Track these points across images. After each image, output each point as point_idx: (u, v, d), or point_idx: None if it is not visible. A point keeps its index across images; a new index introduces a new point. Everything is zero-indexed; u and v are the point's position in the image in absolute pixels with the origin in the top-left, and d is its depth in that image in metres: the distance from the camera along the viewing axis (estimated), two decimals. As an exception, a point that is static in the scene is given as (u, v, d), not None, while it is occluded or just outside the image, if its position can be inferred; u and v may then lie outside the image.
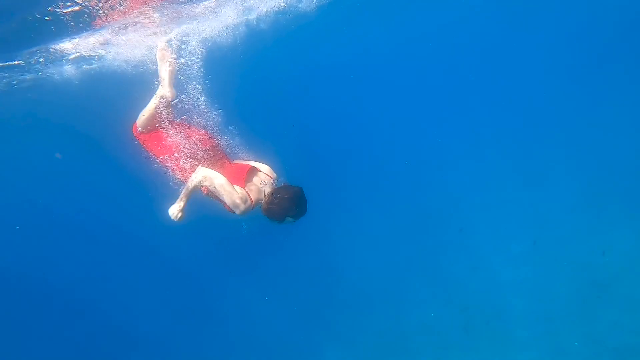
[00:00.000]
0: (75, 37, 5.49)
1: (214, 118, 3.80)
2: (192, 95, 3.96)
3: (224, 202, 3.22)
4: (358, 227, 12.32)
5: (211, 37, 6.33)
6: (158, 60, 3.77)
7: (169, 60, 3.73)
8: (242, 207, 3.15)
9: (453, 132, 15.00)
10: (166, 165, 3.51)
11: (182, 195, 3.18)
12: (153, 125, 3.64)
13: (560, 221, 10.19)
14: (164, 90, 3.61)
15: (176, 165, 3.47)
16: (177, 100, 3.72)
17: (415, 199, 13.00)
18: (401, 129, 15.31)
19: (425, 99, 15.30)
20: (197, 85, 4.06)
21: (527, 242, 9.83)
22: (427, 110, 15.38)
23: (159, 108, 3.60)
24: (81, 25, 5.04)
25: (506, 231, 10.43)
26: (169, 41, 3.96)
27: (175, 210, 3.14)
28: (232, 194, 3.12)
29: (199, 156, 3.45)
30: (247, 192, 3.25)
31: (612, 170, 10.98)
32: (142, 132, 3.63)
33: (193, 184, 3.16)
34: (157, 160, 3.54)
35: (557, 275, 8.86)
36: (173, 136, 3.56)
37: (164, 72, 3.67)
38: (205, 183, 3.16)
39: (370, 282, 10.39)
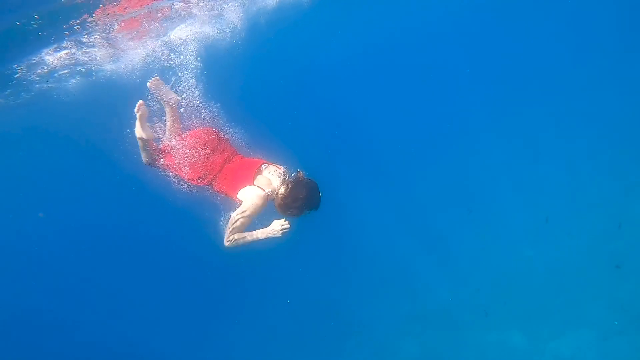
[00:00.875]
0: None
1: (215, 113, 3.78)
2: (190, 94, 3.93)
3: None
4: (367, 211, 12.28)
5: (207, 34, 6.28)
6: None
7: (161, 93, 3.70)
8: (261, 202, 3.17)
9: (461, 111, 14.78)
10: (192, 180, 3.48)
11: (259, 238, 3.20)
12: (155, 152, 3.66)
13: (572, 195, 10.10)
14: (138, 133, 3.55)
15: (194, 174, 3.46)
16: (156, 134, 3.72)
17: (422, 183, 12.94)
18: (409, 112, 15.21)
19: (431, 83, 15.16)
20: (193, 82, 4.02)
21: (539, 219, 9.77)
22: (435, 93, 15.22)
23: (148, 141, 3.59)
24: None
25: (516, 209, 10.42)
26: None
27: (278, 227, 3.17)
28: (252, 206, 3.13)
29: (205, 156, 3.43)
30: (257, 186, 3.22)
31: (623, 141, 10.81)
32: (153, 162, 3.63)
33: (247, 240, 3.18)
34: (182, 179, 3.53)
35: (572, 249, 8.84)
36: (175, 149, 3.57)
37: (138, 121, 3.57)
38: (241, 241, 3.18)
39: (382, 266, 10.41)
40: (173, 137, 3.71)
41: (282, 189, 3.20)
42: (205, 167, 3.39)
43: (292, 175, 3.30)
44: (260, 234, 3.18)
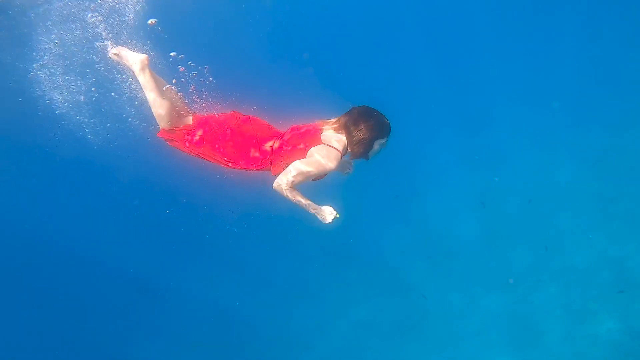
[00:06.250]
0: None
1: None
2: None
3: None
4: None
5: None
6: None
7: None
8: (335, 164, 2.84)
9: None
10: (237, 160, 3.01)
11: (307, 207, 2.92)
12: (182, 113, 3.06)
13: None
14: (134, 59, 3.01)
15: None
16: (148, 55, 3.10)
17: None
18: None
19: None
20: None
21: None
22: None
23: (162, 87, 3.02)
24: None
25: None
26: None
27: (329, 215, 2.93)
28: (321, 166, 2.80)
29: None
30: (328, 145, 2.86)
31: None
32: (172, 130, 3.03)
33: (300, 203, 2.90)
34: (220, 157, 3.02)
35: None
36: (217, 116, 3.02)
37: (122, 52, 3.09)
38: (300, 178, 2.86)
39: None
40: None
41: (350, 129, 2.85)
42: (256, 157, 2.97)
43: (347, 113, 2.92)
44: (312, 207, 2.91)
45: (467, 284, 9.01)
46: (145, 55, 2.98)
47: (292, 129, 3.05)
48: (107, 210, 10.10)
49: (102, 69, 3.37)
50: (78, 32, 3.63)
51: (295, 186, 2.85)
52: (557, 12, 13.87)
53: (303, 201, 2.87)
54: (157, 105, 2.97)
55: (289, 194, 2.83)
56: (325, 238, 10.49)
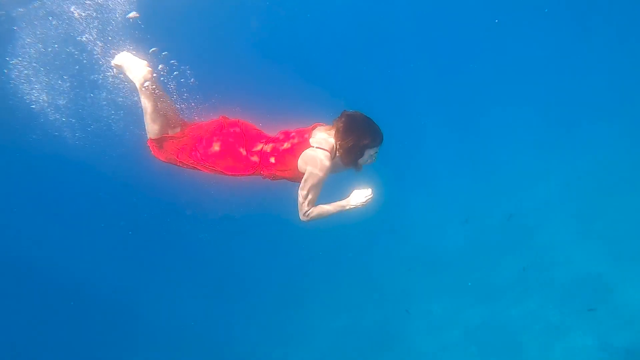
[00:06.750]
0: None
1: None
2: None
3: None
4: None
5: None
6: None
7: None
8: (328, 163, 2.77)
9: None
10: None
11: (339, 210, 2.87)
12: (173, 123, 2.98)
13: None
14: (136, 74, 2.83)
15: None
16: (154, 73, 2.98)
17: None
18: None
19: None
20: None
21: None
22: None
23: (159, 98, 2.90)
24: None
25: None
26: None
27: (362, 200, 2.84)
28: (315, 175, 2.74)
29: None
30: (316, 147, 2.79)
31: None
32: (162, 138, 2.93)
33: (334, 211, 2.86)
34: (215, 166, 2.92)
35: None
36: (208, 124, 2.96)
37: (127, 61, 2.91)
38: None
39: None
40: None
41: (340, 135, 2.77)
42: (245, 163, 2.90)
43: (339, 118, 2.85)
44: (341, 206, 2.86)
45: (448, 296, 9.02)
46: (149, 70, 2.84)
47: (281, 133, 3.00)
48: (85, 211, 9.89)
49: (78, 67, 3.25)
50: (60, 30, 3.53)
51: (313, 206, 2.79)
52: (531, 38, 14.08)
53: (331, 209, 2.83)
54: (152, 119, 2.88)
55: (315, 216, 2.81)
56: (306, 246, 10.46)
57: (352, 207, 2.84)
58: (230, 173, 2.93)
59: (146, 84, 2.79)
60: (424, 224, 10.97)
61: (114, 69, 3.01)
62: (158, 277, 10.57)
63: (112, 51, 3.05)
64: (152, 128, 2.90)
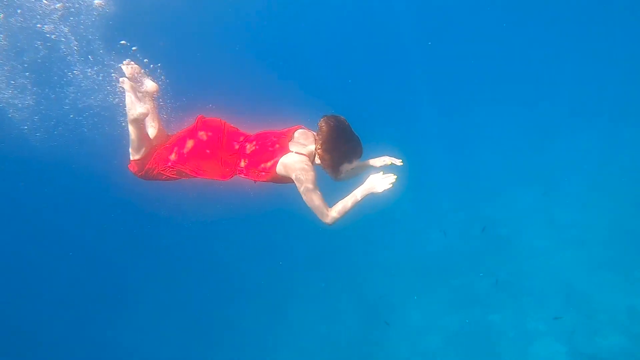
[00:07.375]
0: None
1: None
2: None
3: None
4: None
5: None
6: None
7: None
8: (309, 169, 2.67)
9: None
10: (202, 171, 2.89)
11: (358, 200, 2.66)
12: (156, 141, 2.99)
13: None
14: (134, 111, 2.80)
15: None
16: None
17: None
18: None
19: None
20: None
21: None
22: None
23: (146, 125, 2.93)
24: None
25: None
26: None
27: (382, 185, 2.61)
28: (304, 181, 2.64)
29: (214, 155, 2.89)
30: (293, 152, 2.73)
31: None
32: (144, 157, 2.91)
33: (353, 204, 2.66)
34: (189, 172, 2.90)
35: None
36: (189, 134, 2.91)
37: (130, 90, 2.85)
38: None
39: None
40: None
41: (320, 144, 2.67)
42: (222, 163, 2.85)
43: (320, 126, 2.70)
44: (358, 196, 2.64)
45: (427, 303, 9.05)
46: (148, 107, 2.81)
47: (261, 134, 2.94)
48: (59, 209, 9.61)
49: (40, 60, 3.11)
50: (29, 22, 3.37)
51: (328, 208, 2.65)
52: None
53: (349, 203, 2.63)
54: (138, 147, 2.86)
55: (339, 217, 2.64)
56: (289, 252, 10.36)
57: (371, 191, 2.63)
58: (206, 174, 2.87)
59: (141, 118, 2.79)
60: (404, 231, 11.01)
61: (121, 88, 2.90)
62: (132, 282, 10.29)
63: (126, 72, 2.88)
64: (137, 152, 2.88)
